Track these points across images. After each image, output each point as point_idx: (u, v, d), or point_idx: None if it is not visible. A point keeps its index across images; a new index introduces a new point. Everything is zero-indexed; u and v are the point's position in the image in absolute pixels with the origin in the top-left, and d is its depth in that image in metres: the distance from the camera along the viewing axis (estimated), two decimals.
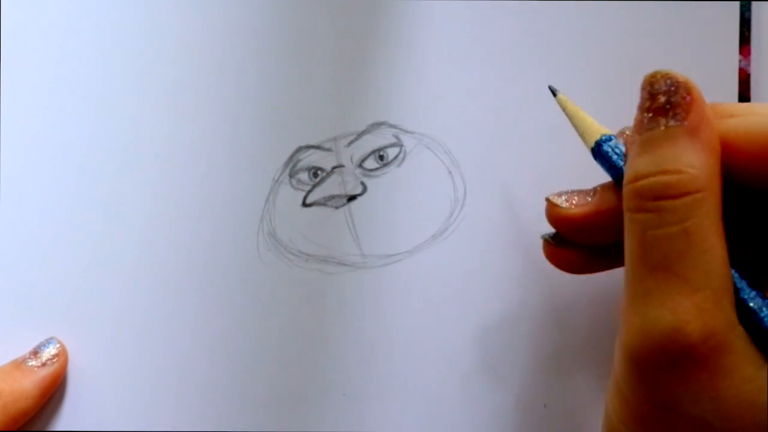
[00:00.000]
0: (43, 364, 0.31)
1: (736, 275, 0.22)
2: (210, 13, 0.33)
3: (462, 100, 0.33)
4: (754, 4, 0.33)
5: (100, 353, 0.32)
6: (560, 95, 0.28)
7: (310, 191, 0.33)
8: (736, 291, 0.22)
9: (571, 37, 0.33)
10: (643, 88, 0.23)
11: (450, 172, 0.32)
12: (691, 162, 0.21)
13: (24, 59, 0.33)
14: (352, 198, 0.33)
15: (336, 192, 0.33)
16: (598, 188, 0.26)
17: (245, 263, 0.32)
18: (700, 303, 0.20)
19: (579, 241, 0.27)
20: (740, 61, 0.33)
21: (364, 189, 0.33)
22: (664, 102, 0.22)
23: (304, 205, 0.33)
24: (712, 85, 0.33)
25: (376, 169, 0.33)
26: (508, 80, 0.33)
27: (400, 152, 0.33)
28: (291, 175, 0.33)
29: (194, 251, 0.32)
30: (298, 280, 0.32)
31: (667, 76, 0.23)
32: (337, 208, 0.33)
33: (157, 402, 0.32)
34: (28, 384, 0.30)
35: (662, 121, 0.22)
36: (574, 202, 0.26)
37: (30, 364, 0.31)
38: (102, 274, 0.32)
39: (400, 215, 0.33)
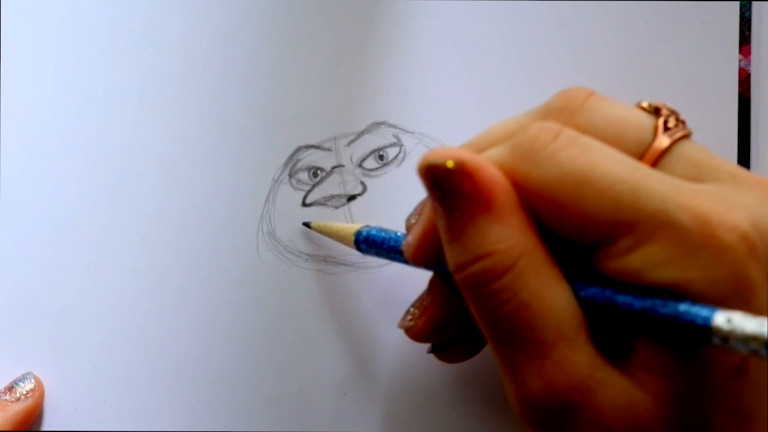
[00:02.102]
0: (17, 399, 0.31)
1: (581, 286, 0.22)
2: (210, 13, 0.33)
3: (462, 100, 0.33)
4: (754, 4, 0.33)
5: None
6: (313, 224, 0.32)
7: (309, 191, 0.33)
8: (590, 303, 0.22)
9: (572, 37, 0.33)
10: (422, 177, 0.23)
11: None
12: (498, 237, 0.22)
13: (24, 59, 0.33)
14: (351, 198, 0.33)
15: (336, 192, 0.33)
16: (427, 287, 0.27)
17: (245, 263, 0.32)
18: (558, 358, 0.21)
19: (451, 335, 0.28)
20: (740, 61, 0.33)
21: (364, 189, 0.33)
22: (449, 186, 0.22)
23: (304, 204, 0.33)
24: (712, 85, 0.33)
25: (376, 168, 0.33)
26: (508, 80, 0.33)
27: (399, 152, 0.33)
28: (291, 175, 0.33)
29: (194, 251, 0.32)
30: (298, 280, 0.32)
31: (439, 158, 0.22)
32: (336, 207, 0.33)
33: (152, 404, 0.32)
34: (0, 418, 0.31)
35: (453, 204, 0.22)
36: (416, 315, 0.27)
37: (3, 398, 0.31)
38: (93, 282, 0.32)
39: (400, 215, 0.32)
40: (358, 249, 0.29)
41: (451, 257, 0.23)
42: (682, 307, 0.20)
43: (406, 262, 0.27)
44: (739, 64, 0.33)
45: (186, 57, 0.33)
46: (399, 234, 0.28)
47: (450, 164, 0.22)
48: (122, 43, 0.33)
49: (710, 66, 0.33)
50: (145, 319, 0.32)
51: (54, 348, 0.32)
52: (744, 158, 0.33)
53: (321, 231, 0.32)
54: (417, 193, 0.32)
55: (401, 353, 0.32)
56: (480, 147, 0.24)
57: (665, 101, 0.24)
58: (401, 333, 0.32)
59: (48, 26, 0.33)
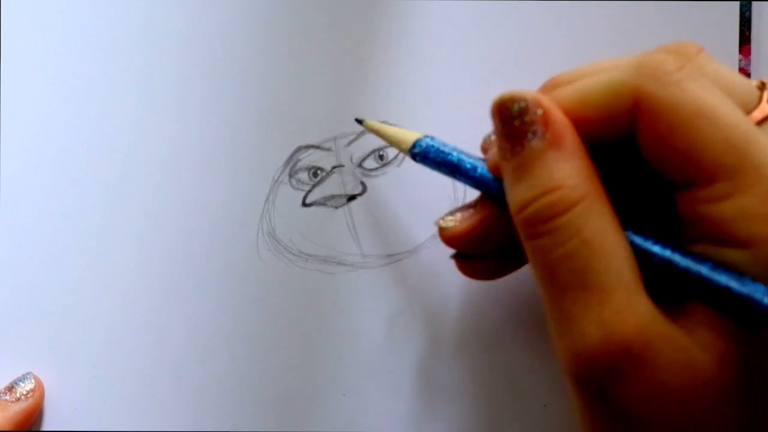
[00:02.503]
0: (17, 399, 0.31)
1: (639, 239, 0.22)
2: (210, 13, 0.33)
3: (462, 100, 0.33)
4: (754, 4, 0.33)
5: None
6: (366, 122, 0.31)
7: (309, 191, 0.33)
8: (649, 257, 0.22)
9: (572, 37, 0.33)
10: (494, 116, 0.23)
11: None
12: (567, 174, 0.22)
13: (24, 59, 0.33)
14: (351, 198, 0.33)
15: (336, 192, 0.33)
16: (477, 199, 0.27)
17: (245, 263, 0.32)
18: (618, 305, 0.21)
19: (479, 251, 0.27)
20: (740, 61, 0.33)
21: (364, 189, 0.33)
22: (520, 124, 0.23)
23: (304, 204, 0.33)
24: None
25: (376, 168, 0.33)
26: (508, 80, 0.33)
27: (399, 152, 0.33)
28: (291, 175, 0.33)
29: (194, 251, 0.32)
30: (297, 280, 0.32)
31: (513, 98, 0.23)
32: (336, 207, 0.33)
33: (152, 404, 0.32)
34: (0, 419, 0.31)
35: (525, 143, 0.23)
36: (458, 219, 0.27)
37: (3, 398, 0.31)
38: (93, 281, 0.32)
39: (400, 215, 0.33)
40: (412, 156, 0.28)
41: (516, 196, 0.23)
42: (750, 287, 0.20)
43: (465, 180, 0.27)
44: (739, 64, 0.33)
45: (186, 57, 0.33)
46: (461, 155, 0.27)
47: (527, 99, 0.23)
48: (122, 43, 0.33)
49: None
50: (145, 319, 0.32)
51: (54, 348, 0.32)
52: None
53: (374, 130, 0.30)
54: (417, 193, 0.32)
55: (401, 353, 0.32)
56: (593, 71, 0.24)
57: None
58: (400, 333, 0.32)
59: (48, 26, 0.33)
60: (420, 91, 0.33)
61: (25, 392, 0.31)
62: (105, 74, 0.33)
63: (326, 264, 0.33)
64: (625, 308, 0.21)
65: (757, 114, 0.23)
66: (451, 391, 0.32)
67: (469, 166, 0.27)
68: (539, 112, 0.22)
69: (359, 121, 0.31)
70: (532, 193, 0.22)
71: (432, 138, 0.28)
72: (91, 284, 0.32)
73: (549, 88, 0.25)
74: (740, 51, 0.33)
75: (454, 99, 0.33)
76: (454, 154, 0.27)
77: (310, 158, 0.33)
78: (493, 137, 0.26)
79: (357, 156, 0.33)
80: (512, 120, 0.23)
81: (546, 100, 0.23)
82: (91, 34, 0.33)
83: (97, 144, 0.33)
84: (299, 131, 0.33)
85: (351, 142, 0.33)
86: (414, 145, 0.28)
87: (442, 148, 0.27)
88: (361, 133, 0.33)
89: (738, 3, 0.33)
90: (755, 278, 0.20)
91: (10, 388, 0.31)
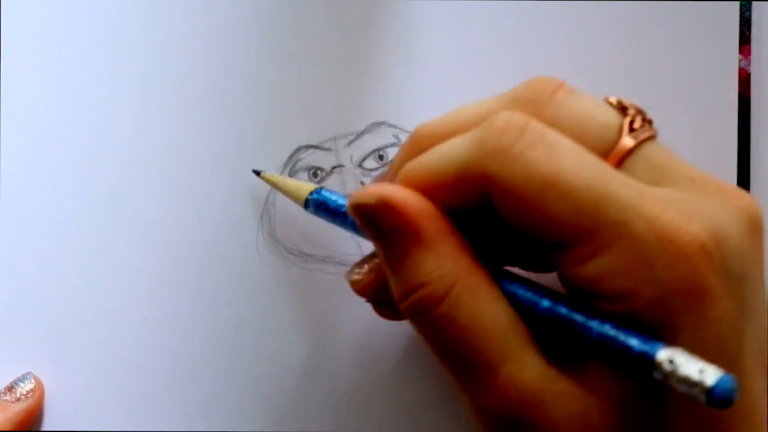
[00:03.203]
0: (17, 399, 0.31)
1: (529, 294, 0.23)
2: (210, 14, 0.33)
3: (462, 100, 0.33)
4: (754, 4, 0.33)
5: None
6: (264, 174, 0.31)
7: None
8: (527, 307, 0.22)
9: (572, 37, 0.33)
10: (353, 217, 0.24)
11: None
12: (431, 267, 0.22)
13: (24, 59, 0.33)
14: None
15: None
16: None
17: (245, 263, 0.32)
18: (507, 377, 0.21)
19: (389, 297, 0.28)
20: (740, 61, 0.33)
21: None
22: (376, 226, 0.23)
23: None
24: (712, 85, 0.33)
25: (376, 168, 0.33)
26: (508, 80, 0.33)
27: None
28: (291, 175, 0.33)
29: (194, 251, 0.32)
30: (297, 280, 0.32)
31: (362, 202, 0.23)
32: None
33: (152, 404, 0.32)
34: (0, 419, 0.31)
35: (388, 241, 0.23)
36: (365, 271, 0.27)
37: (3, 399, 0.31)
38: (93, 281, 0.32)
39: None
40: (305, 208, 0.29)
41: (394, 289, 0.23)
42: (628, 340, 0.20)
43: (352, 229, 0.27)
44: (739, 64, 0.33)
45: (186, 57, 0.33)
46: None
47: (373, 203, 0.23)
48: (122, 43, 0.33)
49: (710, 66, 0.33)
50: (145, 319, 0.32)
51: (54, 348, 0.32)
52: (744, 158, 0.33)
53: (271, 183, 0.31)
54: None
55: (401, 353, 0.32)
56: (445, 130, 0.24)
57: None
58: (401, 333, 0.32)
59: (48, 26, 0.33)
60: (420, 91, 0.33)
61: (25, 392, 0.31)
62: (104, 74, 0.33)
63: (326, 264, 0.33)
64: (513, 377, 0.21)
65: (618, 151, 0.22)
66: (450, 391, 0.32)
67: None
68: (390, 215, 0.22)
69: (257, 173, 0.32)
70: (403, 290, 0.23)
71: (321, 191, 0.28)
72: (92, 284, 0.32)
73: (414, 141, 0.25)
74: (740, 51, 0.33)
75: (454, 99, 0.33)
76: (343, 209, 0.27)
77: (310, 158, 0.33)
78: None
79: (357, 156, 0.33)
80: (369, 221, 0.23)
81: (396, 195, 0.23)
82: (91, 34, 0.33)
83: (96, 144, 0.33)
84: (299, 131, 0.33)
85: (351, 142, 0.33)
86: (306, 201, 0.29)
87: (332, 202, 0.28)
88: (361, 133, 0.33)
89: (738, 3, 0.33)
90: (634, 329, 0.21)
91: (10, 388, 0.31)
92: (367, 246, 0.32)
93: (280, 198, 0.33)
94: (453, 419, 0.32)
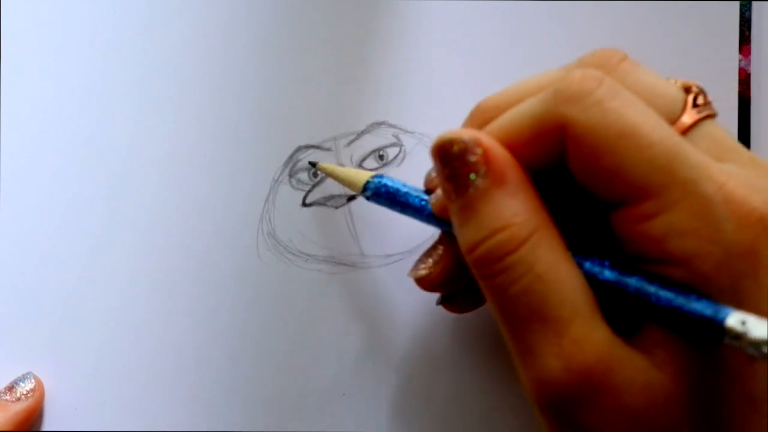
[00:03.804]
0: (17, 399, 0.31)
1: (588, 263, 0.22)
2: (209, 13, 0.33)
3: (462, 100, 0.33)
4: (754, 4, 0.33)
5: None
6: (320, 165, 0.31)
7: (309, 191, 0.33)
8: (600, 281, 0.22)
9: (572, 37, 0.33)
10: (434, 158, 0.23)
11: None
12: (513, 210, 0.22)
13: (24, 59, 0.33)
14: (351, 198, 0.33)
15: (336, 192, 0.33)
16: (439, 237, 0.27)
17: (245, 263, 0.32)
18: (576, 336, 0.21)
19: (460, 286, 0.28)
20: (740, 61, 0.33)
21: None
22: (461, 165, 0.23)
23: (304, 204, 0.33)
24: (712, 85, 0.33)
25: (376, 168, 0.33)
26: (508, 80, 0.33)
27: (400, 152, 0.33)
28: (291, 175, 0.33)
29: (194, 251, 0.32)
30: (298, 280, 0.32)
31: (452, 140, 0.23)
32: (336, 207, 0.33)
33: (152, 404, 0.32)
34: (0, 418, 0.31)
35: (468, 183, 0.22)
36: (430, 264, 0.27)
37: (4, 398, 0.31)
38: (93, 281, 0.32)
39: (399, 215, 0.33)
40: (366, 197, 0.29)
41: (465, 237, 0.23)
42: (696, 305, 0.20)
43: (415, 216, 0.27)
44: (739, 64, 0.33)
45: (186, 57, 0.33)
46: (410, 194, 0.27)
47: (465, 140, 0.22)
48: (122, 43, 0.33)
49: (710, 66, 0.33)
50: (145, 319, 0.32)
51: (54, 348, 0.32)
52: None
53: (327, 172, 0.31)
54: None
55: (401, 353, 0.32)
56: (510, 100, 0.24)
57: None
58: (401, 333, 0.32)
59: (48, 26, 0.33)
60: (420, 91, 0.33)
61: (25, 392, 0.31)
62: (105, 74, 0.33)
63: (326, 264, 0.33)
64: (583, 338, 0.21)
65: (681, 124, 0.23)
66: (450, 391, 0.32)
67: (418, 205, 0.27)
68: (479, 151, 0.22)
69: (312, 164, 0.32)
70: (481, 234, 0.22)
71: (381, 177, 0.28)
72: (92, 284, 0.32)
73: (477, 114, 0.25)
74: (740, 51, 0.33)
75: (454, 99, 0.33)
76: (403, 192, 0.27)
77: (310, 158, 0.33)
78: (434, 175, 0.26)
79: (357, 156, 0.33)
80: (453, 161, 0.23)
81: (485, 138, 0.23)
82: (91, 34, 0.33)
83: (97, 144, 0.33)
84: (299, 131, 0.33)
85: (351, 142, 0.33)
86: (365, 187, 0.28)
87: (392, 186, 0.28)
88: (361, 133, 0.33)
89: (738, 3, 0.33)
90: (698, 297, 0.21)
91: (10, 388, 0.31)
92: (370, 246, 0.32)
93: (280, 198, 0.33)
94: (454, 419, 0.32)
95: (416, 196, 0.27)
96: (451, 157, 0.23)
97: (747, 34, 0.33)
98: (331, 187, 0.33)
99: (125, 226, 0.32)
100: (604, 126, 0.21)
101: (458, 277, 0.27)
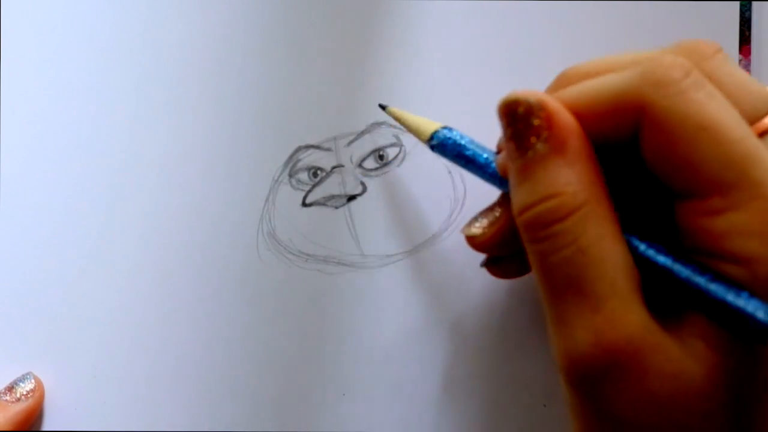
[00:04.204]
0: (17, 400, 0.31)
1: (643, 245, 0.22)
2: (210, 13, 0.33)
3: (462, 100, 0.33)
4: (754, 4, 0.33)
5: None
6: (389, 108, 0.31)
7: (309, 191, 0.33)
8: (651, 264, 0.22)
9: (572, 37, 0.33)
10: (500, 116, 0.23)
11: (450, 172, 0.32)
12: (567, 180, 0.22)
13: (24, 59, 0.33)
14: (351, 198, 0.33)
15: (336, 192, 0.33)
16: (499, 199, 0.27)
17: (245, 263, 0.32)
18: (610, 314, 0.21)
19: (509, 252, 0.27)
20: (740, 61, 0.33)
21: (364, 189, 0.33)
22: (524, 126, 0.23)
23: (304, 204, 0.33)
24: None
25: (376, 168, 0.33)
26: (508, 80, 0.33)
27: (400, 152, 0.33)
28: (291, 175, 0.33)
29: (194, 251, 0.32)
30: (297, 280, 0.32)
31: (518, 100, 0.23)
32: (336, 207, 0.33)
33: (152, 404, 0.32)
34: (0, 419, 0.31)
35: (529, 145, 0.23)
36: (485, 225, 0.27)
37: (4, 399, 0.31)
38: (93, 281, 0.32)
39: (400, 215, 0.33)
40: (431, 146, 0.29)
41: (518, 199, 0.23)
42: (747, 303, 0.20)
43: (477, 173, 0.27)
44: (739, 64, 0.33)
45: (185, 57, 0.33)
46: (476, 150, 0.27)
47: (532, 103, 0.22)
48: (122, 43, 0.33)
49: None
50: (145, 319, 0.32)
51: (54, 348, 0.32)
52: None
53: (395, 117, 0.31)
54: (417, 193, 0.32)
55: (401, 353, 0.32)
56: (600, 69, 0.24)
57: None
58: (401, 333, 0.32)
59: (48, 27, 0.33)
60: (420, 90, 0.33)
61: (25, 392, 0.31)
62: (104, 75, 0.33)
63: (326, 264, 0.33)
64: (617, 317, 0.21)
65: (766, 123, 0.23)
66: (450, 391, 0.32)
67: (483, 162, 0.27)
68: (543, 115, 0.22)
69: (383, 107, 0.31)
70: (532, 198, 0.22)
71: (450, 130, 0.28)
72: (91, 284, 0.32)
73: (562, 80, 0.25)
74: (740, 51, 0.33)
75: (454, 99, 0.33)
76: (470, 148, 0.27)
77: (310, 158, 0.33)
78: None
79: (357, 156, 0.33)
80: (517, 122, 0.23)
81: (552, 103, 0.23)
82: (90, 35, 0.33)
83: (97, 145, 0.33)
84: (299, 131, 0.33)
85: (351, 142, 0.33)
86: (432, 137, 0.28)
87: (459, 141, 0.27)
88: (361, 133, 0.33)
89: (738, 3, 0.33)
90: (752, 294, 0.20)
91: (10, 388, 0.31)
92: (370, 246, 0.32)
93: (280, 198, 0.33)
94: (454, 418, 0.32)
95: (481, 153, 0.27)
96: (515, 117, 0.23)
97: (747, 34, 0.33)
98: (331, 187, 0.33)
99: (125, 226, 0.32)
100: (685, 116, 0.21)
101: (510, 242, 0.26)
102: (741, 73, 0.23)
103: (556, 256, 0.22)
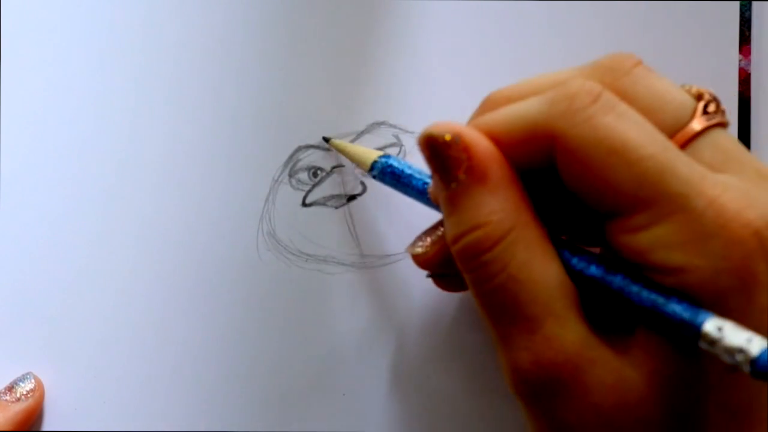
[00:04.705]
0: (17, 400, 0.31)
1: (575, 259, 0.23)
2: (210, 13, 0.33)
3: (462, 100, 0.33)
4: (754, 4, 0.33)
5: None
6: (333, 141, 0.32)
7: (309, 191, 0.33)
8: (585, 277, 0.22)
9: (571, 37, 0.33)
10: (421, 150, 0.24)
11: None
12: (491, 209, 0.22)
13: (24, 59, 0.33)
14: (351, 198, 0.33)
15: (336, 192, 0.33)
16: (441, 221, 0.27)
17: (245, 263, 0.32)
18: (547, 333, 0.22)
19: (453, 270, 0.27)
20: (740, 61, 0.33)
21: (364, 189, 0.33)
22: (446, 158, 0.23)
23: (304, 204, 0.33)
24: (712, 86, 0.33)
25: None
26: (508, 80, 0.33)
27: (400, 152, 0.33)
28: (291, 175, 0.33)
29: (194, 251, 0.32)
30: (297, 280, 0.32)
31: (437, 132, 0.23)
32: (336, 207, 0.33)
33: (152, 404, 0.32)
34: (0, 419, 0.31)
35: (453, 177, 0.23)
36: (428, 244, 0.27)
37: (4, 399, 0.31)
38: (93, 281, 0.32)
39: (399, 215, 0.33)
40: (372, 176, 0.29)
41: (448, 230, 0.23)
42: (675, 307, 0.21)
43: (417, 198, 0.27)
44: (739, 64, 0.33)
45: (185, 57, 0.33)
46: (414, 177, 0.28)
47: (447, 137, 0.23)
48: (121, 43, 0.33)
49: (710, 66, 0.33)
50: (145, 319, 0.32)
51: (54, 348, 0.32)
52: None
53: (338, 149, 0.31)
54: None
55: (401, 353, 0.32)
56: (521, 93, 0.24)
57: None
58: (401, 333, 0.32)
59: (48, 27, 0.33)
60: (420, 91, 0.33)
61: (25, 392, 0.31)
62: (104, 74, 0.33)
63: (326, 264, 0.33)
64: (553, 336, 0.22)
65: (687, 131, 0.23)
66: (449, 391, 0.32)
67: (420, 188, 0.27)
68: (462, 148, 0.23)
69: (326, 140, 0.32)
70: (461, 229, 0.23)
71: (389, 158, 0.29)
72: (91, 284, 0.32)
73: (486, 105, 0.25)
74: (740, 51, 0.33)
75: (454, 99, 0.33)
76: (407, 174, 0.28)
77: (310, 158, 0.33)
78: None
79: None
80: (437, 155, 0.23)
81: (469, 134, 0.23)
82: (90, 34, 0.33)
83: (96, 144, 0.33)
84: (299, 131, 0.33)
85: (351, 142, 0.33)
86: (372, 166, 0.29)
87: (398, 169, 0.28)
88: (361, 133, 0.33)
89: (738, 3, 0.33)
90: (680, 299, 0.21)
91: (10, 388, 0.31)
92: (370, 246, 0.32)
93: (280, 198, 0.33)
94: (454, 418, 0.32)
95: (419, 179, 0.28)
96: (435, 150, 0.23)
97: (747, 34, 0.33)
98: (331, 187, 0.33)
99: (125, 226, 0.32)
100: (594, 141, 0.21)
101: (452, 261, 0.27)
102: (661, 83, 0.23)
103: (489, 284, 0.22)
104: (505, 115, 0.23)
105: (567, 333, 0.22)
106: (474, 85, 0.33)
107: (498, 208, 0.22)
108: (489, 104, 0.25)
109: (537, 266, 0.22)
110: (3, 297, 0.32)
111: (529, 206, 0.23)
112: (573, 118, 0.22)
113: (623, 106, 0.22)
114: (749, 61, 0.33)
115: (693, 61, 0.33)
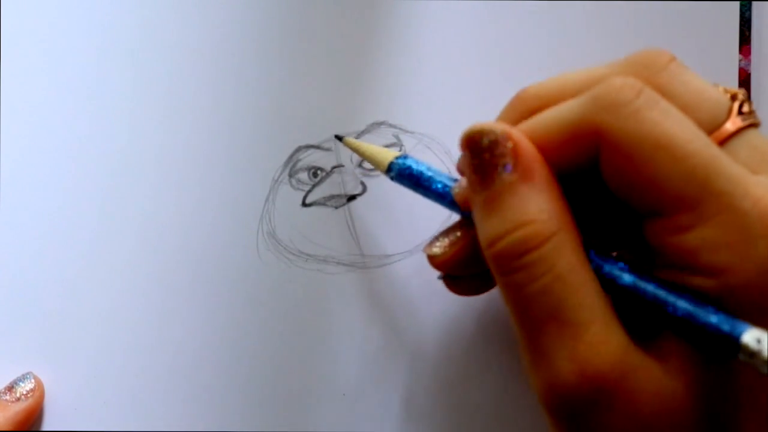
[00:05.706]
0: (17, 399, 0.31)
1: (607, 266, 0.22)
2: (210, 13, 0.33)
3: (462, 100, 0.33)
4: (754, 4, 0.33)
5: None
6: (346, 139, 0.31)
7: (309, 191, 0.33)
8: (618, 286, 0.22)
9: (571, 37, 0.33)
10: (463, 148, 0.23)
11: (450, 172, 0.32)
12: (539, 206, 0.22)
13: (24, 59, 0.33)
14: (351, 198, 0.33)
15: (336, 192, 0.33)
16: (460, 221, 0.27)
17: (245, 263, 0.32)
18: (593, 340, 0.21)
19: (467, 272, 0.27)
20: (740, 61, 0.33)
21: (364, 189, 0.33)
22: (490, 157, 0.22)
23: (304, 204, 0.33)
24: None
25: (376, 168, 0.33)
26: (508, 80, 0.33)
27: (400, 152, 0.33)
28: (291, 175, 0.33)
29: (194, 251, 0.32)
30: (297, 280, 0.32)
31: (482, 131, 0.23)
32: (336, 207, 0.33)
33: (152, 404, 0.32)
34: (0, 419, 0.31)
35: (495, 176, 0.22)
36: (446, 245, 0.26)
37: (4, 398, 0.31)
38: (93, 281, 0.32)
39: (399, 215, 0.33)
40: (390, 177, 0.28)
41: (486, 230, 0.22)
42: (713, 318, 0.20)
43: (437, 200, 0.27)
44: (739, 64, 0.33)
45: (185, 57, 0.33)
46: (434, 178, 0.27)
47: (497, 133, 0.22)
48: (121, 43, 0.33)
49: (710, 66, 0.33)
50: (145, 319, 0.32)
51: (54, 348, 0.32)
52: None
53: (352, 147, 0.31)
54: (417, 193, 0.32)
55: (401, 353, 0.32)
56: (552, 91, 0.24)
57: None
58: (401, 333, 0.32)
59: (48, 27, 0.33)
60: (420, 91, 0.33)
61: (25, 392, 0.31)
62: (104, 74, 0.33)
63: (326, 264, 0.33)
64: (599, 342, 0.21)
65: (724, 130, 0.23)
66: (449, 392, 0.32)
67: (440, 191, 0.27)
68: (509, 145, 0.22)
69: (339, 138, 0.32)
70: (504, 228, 0.22)
71: (407, 158, 0.28)
72: (91, 284, 0.32)
73: (516, 104, 0.25)
74: (740, 51, 0.33)
75: (454, 99, 0.33)
76: (427, 176, 0.27)
77: (310, 158, 0.33)
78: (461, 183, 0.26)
79: (357, 156, 0.33)
80: (482, 153, 0.23)
81: (515, 133, 0.23)
82: (90, 34, 0.33)
83: (96, 144, 0.33)
84: (299, 131, 0.33)
85: None
86: (389, 167, 0.28)
87: (416, 170, 0.27)
88: (361, 133, 0.33)
89: (738, 3, 0.33)
90: (724, 307, 0.20)
91: (10, 388, 0.31)
92: (370, 246, 0.32)
93: (280, 198, 0.33)
94: (454, 418, 0.32)
95: (439, 181, 0.27)
96: (480, 149, 0.23)
97: (747, 34, 0.33)
98: (331, 187, 0.33)
99: (125, 225, 0.32)
100: (640, 136, 0.21)
101: (469, 263, 0.26)
102: (697, 80, 0.23)
103: (533, 285, 0.21)
104: (546, 119, 0.23)
105: (612, 339, 0.21)
106: (474, 85, 0.33)
107: (545, 207, 0.22)
108: (520, 101, 0.25)
109: (582, 269, 0.21)
110: (3, 297, 0.32)
111: (570, 211, 0.22)
112: (618, 112, 0.21)
113: (665, 102, 0.22)
114: (749, 61, 0.33)
115: (693, 61, 0.33)
